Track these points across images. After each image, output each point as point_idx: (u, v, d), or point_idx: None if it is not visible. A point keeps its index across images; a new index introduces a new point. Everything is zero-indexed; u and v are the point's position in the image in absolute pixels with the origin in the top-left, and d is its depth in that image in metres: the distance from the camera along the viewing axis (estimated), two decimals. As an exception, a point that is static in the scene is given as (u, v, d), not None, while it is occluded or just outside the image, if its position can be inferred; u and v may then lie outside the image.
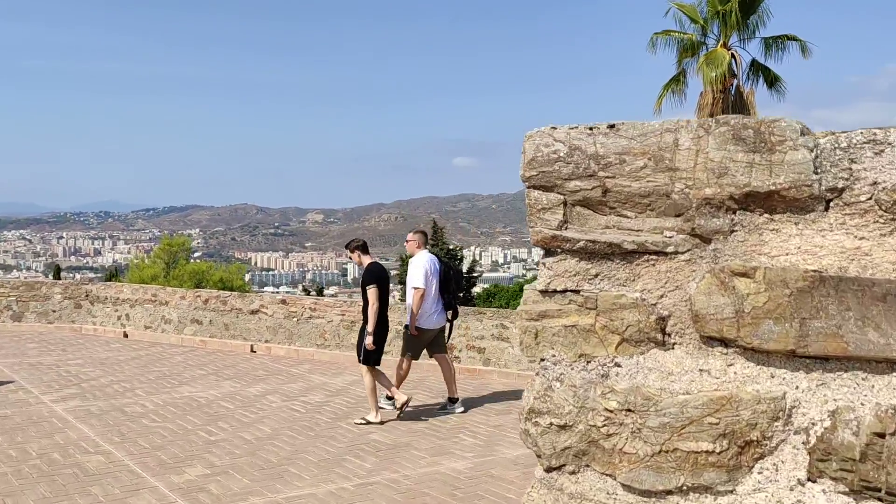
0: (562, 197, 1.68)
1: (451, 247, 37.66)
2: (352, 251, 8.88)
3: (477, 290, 43.42)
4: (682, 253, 1.57)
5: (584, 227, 1.67)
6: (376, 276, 8.51)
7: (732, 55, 16.83)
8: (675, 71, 17.88)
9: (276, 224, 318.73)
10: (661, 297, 1.60)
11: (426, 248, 9.33)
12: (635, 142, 1.59)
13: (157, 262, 36.81)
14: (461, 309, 11.86)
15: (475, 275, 38.30)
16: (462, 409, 9.15)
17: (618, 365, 1.64)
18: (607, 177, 1.63)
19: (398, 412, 8.65)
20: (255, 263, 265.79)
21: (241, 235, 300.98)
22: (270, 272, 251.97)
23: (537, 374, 1.79)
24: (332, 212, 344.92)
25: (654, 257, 1.60)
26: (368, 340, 8.37)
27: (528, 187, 1.74)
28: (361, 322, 8.64)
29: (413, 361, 9.34)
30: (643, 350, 1.62)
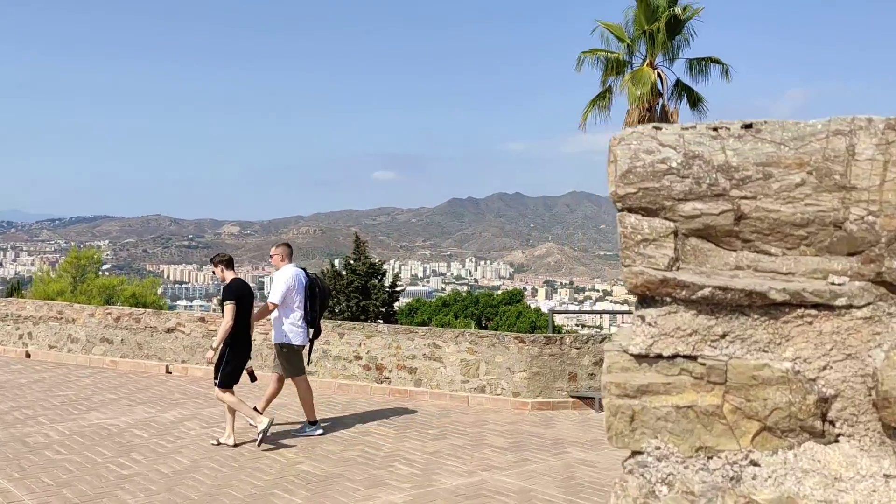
0: (672, 224, 1.23)
1: (373, 261, 37.08)
2: (215, 265, 8.38)
3: (399, 304, 42.90)
4: (860, 307, 1.09)
5: (705, 268, 1.19)
6: (236, 294, 8.02)
7: (658, 74, 17.05)
8: (600, 89, 18.01)
9: (191, 236, 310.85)
10: (824, 369, 1.14)
11: (291, 263, 8.86)
12: (787, 148, 1.12)
13: (64, 276, 34.94)
14: (392, 327, 11.45)
15: (398, 289, 37.83)
16: (321, 431, 8.72)
17: (755, 464, 1.14)
18: (743, 197, 1.17)
19: (260, 436, 8.09)
20: (168, 276, 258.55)
21: (154, 247, 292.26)
22: (184, 285, 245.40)
23: (630, 472, 1.26)
24: (249, 224, 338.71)
25: (814, 312, 1.14)
26: (209, 355, 7.91)
27: (622, 210, 1.26)
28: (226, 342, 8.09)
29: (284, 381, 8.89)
30: (794, 443, 1.14)
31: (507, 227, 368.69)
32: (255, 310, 8.79)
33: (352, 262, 37.84)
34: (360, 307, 35.87)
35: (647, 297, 1.25)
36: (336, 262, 41.39)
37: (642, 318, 1.25)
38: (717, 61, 17.14)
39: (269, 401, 8.84)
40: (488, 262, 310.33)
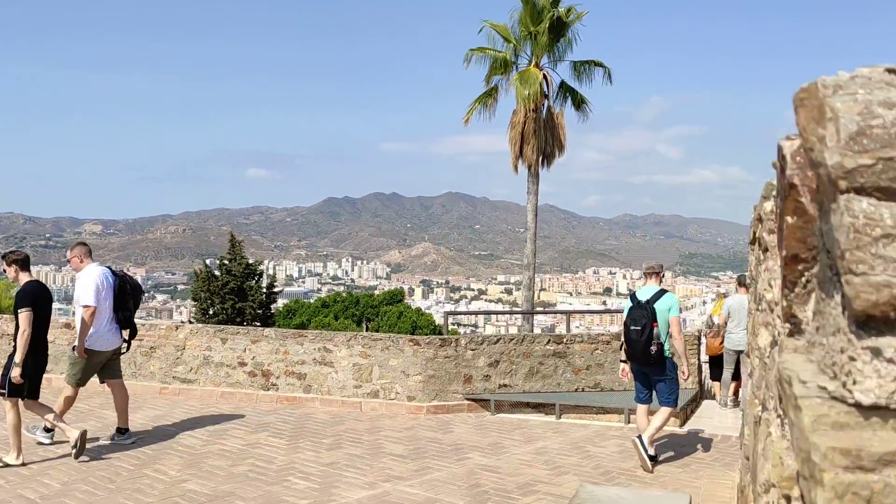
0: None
1: (249, 261, 35.89)
2: (8, 265, 7.58)
3: (277, 306, 41.77)
4: None
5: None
6: (32, 298, 7.33)
7: (544, 76, 17.20)
8: (485, 87, 18.01)
9: (48, 235, 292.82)
10: None
11: (94, 262, 8.26)
12: None
13: None
14: (279, 331, 10.90)
15: (275, 290, 36.79)
16: (132, 440, 8.23)
17: None
18: None
19: (74, 450, 7.48)
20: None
21: (6, 247, 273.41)
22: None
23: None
24: (112, 223, 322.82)
25: None
26: (16, 372, 7.20)
27: (846, 191, 0.82)
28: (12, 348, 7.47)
29: (80, 388, 8.30)
30: None
31: (384, 226, 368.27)
32: (75, 321, 8.11)
33: (227, 262, 36.44)
34: (236, 309, 34.61)
35: (885, 321, 0.82)
36: (209, 262, 39.74)
37: (876, 351, 0.82)
38: (599, 64, 17.47)
39: (63, 412, 8.12)
40: (365, 261, 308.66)
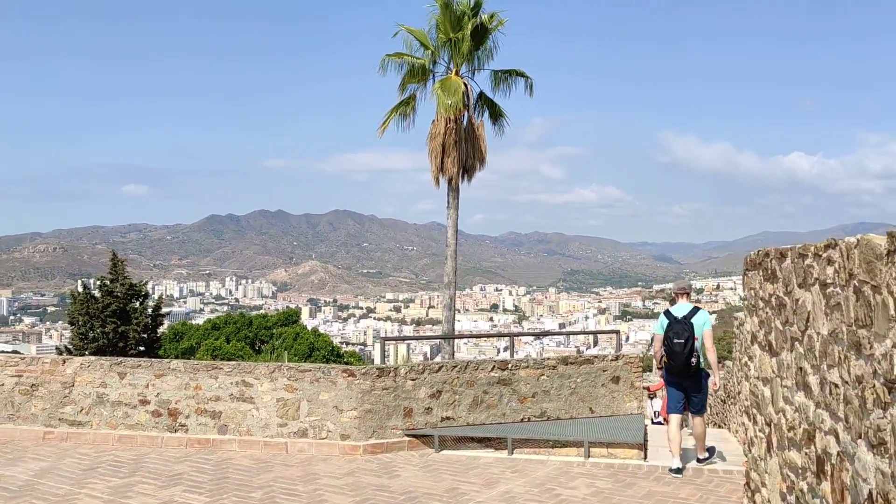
0: None
1: (133, 282, 33.43)
2: None
3: (163, 329, 39.13)
4: None
5: None
6: None
7: (465, 85, 16.36)
8: (399, 96, 17.01)
9: None
10: None
11: None
12: None
13: None
14: (189, 364, 9.48)
15: (162, 313, 34.40)
16: None
17: None
18: None
19: None
20: None
21: None
22: None
23: None
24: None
25: None
26: None
27: None
28: None
29: None
30: None
31: (270, 244, 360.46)
32: None
33: (108, 282, 33.80)
34: (119, 333, 32.10)
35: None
36: (88, 282, 36.86)
37: None
38: (521, 74, 16.81)
39: None
40: (250, 280, 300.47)
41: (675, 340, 8.06)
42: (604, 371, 10.57)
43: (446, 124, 15.95)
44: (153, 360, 9.42)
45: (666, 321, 8.31)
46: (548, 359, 10.35)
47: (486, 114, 17.16)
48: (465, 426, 9.55)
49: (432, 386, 9.44)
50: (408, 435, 9.27)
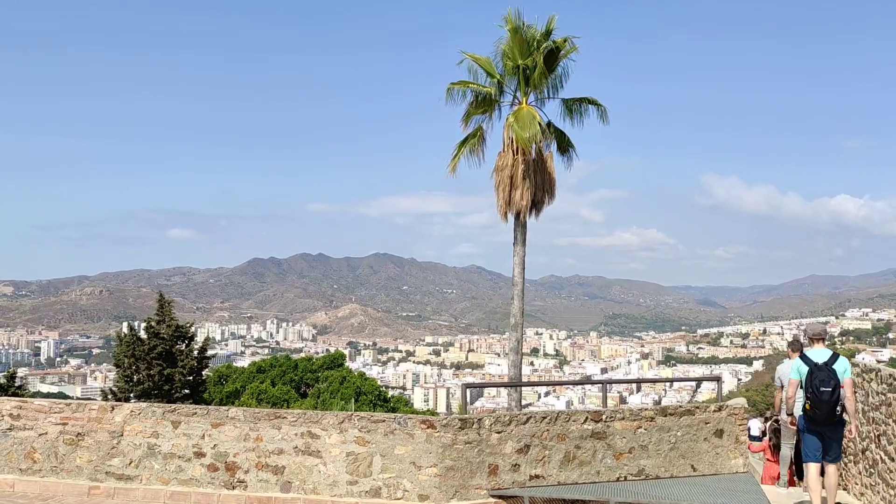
0: None
1: (179, 323, 32.83)
2: None
3: (206, 371, 38.41)
4: None
5: None
6: None
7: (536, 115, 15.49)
8: (463, 129, 16.20)
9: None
10: None
11: None
12: None
13: None
14: (250, 412, 8.53)
15: (207, 355, 33.70)
16: None
17: None
18: None
19: None
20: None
21: None
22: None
23: None
24: (25, 284, 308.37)
25: None
26: None
27: None
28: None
29: None
30: None
31: (311, 287, 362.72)
32: None
33: (154, 324, 33.23)
34: (164, 376, 31.44)
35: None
36: (135, 324, 36.34)
37: None
38: (593, 102, 15.88)
39: None
40: (290, 323, 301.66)
41: (822, 388, 7.82)
42: (706, 423, 9.41)
43: (513, 157, 15.08)
44: (209, 407, 8.51)
45: (805, 367, 8.04)
46: (645, 409, 9.21)
47: (555, 145, 16.27)
48: (556, 486, 8.44)
49: (520, 440, 8.36)
50: (493, 496, 8.18)
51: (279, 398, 36.27)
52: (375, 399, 37.80)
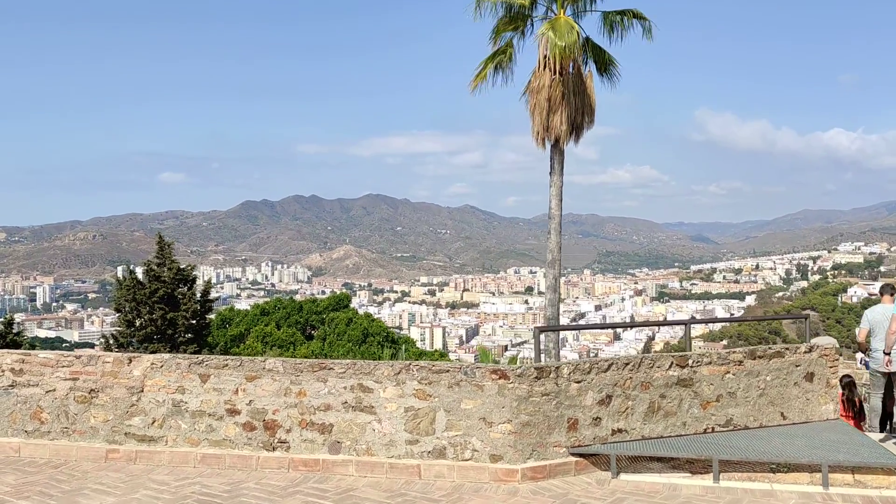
0: None
1: (181, 266, 31.51)
2: None
3: (210, 316, 37.31)
4: None
5: None
6: None
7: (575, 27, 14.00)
8: (491, 46, 14.74)
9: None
10: None
11: None
12: None
13: None
14: (290, 363, 7.40)
15: (211, 298, 32.48)
16: None
17: None
18: None
19: None
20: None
21: None
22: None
23: None
24: (17, 230, 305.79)
25: None
26: None
27: None
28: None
29: None
30: None
31: (304, 229, 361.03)
32: None
33: (155, 267, 31.97)
34: (168, 320, 30.35)
35: None
36: (135, 268, 35.10)
37: None
38: (638, 16, 14.41)
39: None
40: (285, 265, 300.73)
41: None
42: (796, 366, 8.35)
43: (550, 76, 13.71)
44: (243, 358, 7.38)
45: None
46: (733, 351, 8.12)
47: (593, 65, 14.81)
48: (642, 440, 7.39)
49: (601, 389, 7.27)
50: (574, 454, 7.12)
51: (285, 341, 35.38)
52: (383, 340, 36.97)
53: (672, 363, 7.71)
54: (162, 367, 7.48)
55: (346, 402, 7.15)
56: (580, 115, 13.95)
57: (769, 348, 8.38)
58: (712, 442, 7.42)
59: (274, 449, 7.24)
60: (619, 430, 7.37)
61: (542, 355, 13.41)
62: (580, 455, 7.15)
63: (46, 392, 7.63)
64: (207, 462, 7.24)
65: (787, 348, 8.49)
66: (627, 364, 7.49)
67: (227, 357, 7.38)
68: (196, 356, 7.44)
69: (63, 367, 7.62)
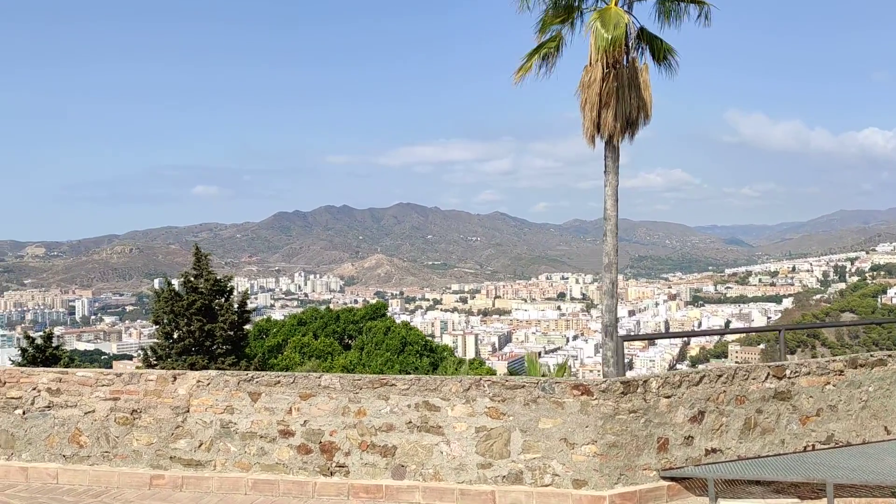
0: None
1: (217, 277, 31.13)
2: None
3: (248, 326, 36.95)
4: None
5: None
6: None
7: (626, 17, 13.25)
8: (537, 36, 14.01)
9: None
10: None
11: None
12: None
13: None
14: (348, 379, 6.77)
15: (248, 309, 32.07)
16: None
17: None
18: None
19: None
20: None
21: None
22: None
23: None
24: (56, 245, 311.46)
25: None
26: None
27: None
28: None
29: None
30: None
31: (336, 239, 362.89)
32: None
33: (192, 278, 31.63)
34: (206, 332, 29.98)
35: None
36: (172, 280, 34.85)
37: None
38: (696, 0, 13.61)
39: None
40: (318, 275, 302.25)
41: None
42: (901, 375, 7.53)
43: (602, 69, 12.98)
44: (296, 374, 6.75)
45: None
46: (833, 360, 7.34)
47: (649, 55, 14.03)
48: (737, 461, 6.63)
49: (692, 405, 6.53)
50: (665, 477, 6.39)
51: (323, 351, 34.91)
52: (422, 349, 36.37)
53: (768, 374, 6.95)
54: (209, 384, 6.88)
55: (410, 422, 6.49)
56: (635, 110, 13.18)
57: (871, 356, 7.58)
58: (817, 461, 6.64)
59: (332, 474, 6.60)
60: (713, 450, 6.62)
61: (610, 367, 12.64)
62: (672, 478, 6.41)
63: (85, 413, 7.08)
64: (260, 488, 6.62)
65: (889, 356, 7.68)
66: (720, 376, 6.74)
67: (279, 373, 6.76)
68: (245, 372, 6.82)
69: (103, 386, 7.06)
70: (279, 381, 6.75)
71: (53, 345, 27.52)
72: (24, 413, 7.19)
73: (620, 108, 13.06)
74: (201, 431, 6.85)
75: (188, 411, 6.89)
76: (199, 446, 6.85)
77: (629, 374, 7.11)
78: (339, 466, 6.60)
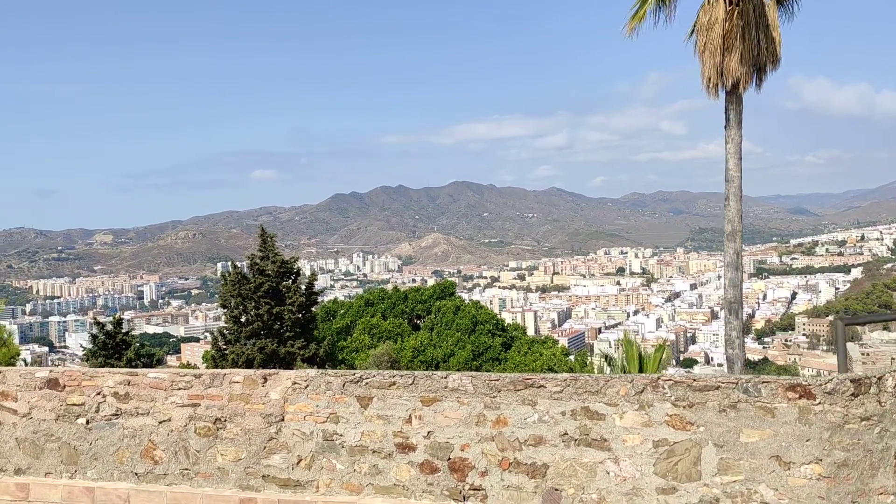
0: None
1: (284, 259, 30.14)
2: None
3: (315, 308, 35.84)
4: None
5: None
6: None
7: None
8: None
9: (59, 248, 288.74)
10: None
11: None
12: None
13: None
14: (479, 378, 5.35)
15: (315, 291, 30.92)
16: None
17: None
18: None
19: None
20: (38, 292, 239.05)
21: (19, 262, 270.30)
22: (56, 300, 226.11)
23: None
24: (123, 232, 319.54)
25: None
26: None
27: None
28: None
29: None
30: None
31: (393, 219, 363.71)
32: None
33: (258, 261, 30.65)
34: (274, 315, 29.05)
35: None
36: (238, 263, 33.95)
37: None
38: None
39: None
40: (376, 255, 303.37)
41: None
42: None
43: (726, 6, 11.30)
44: (415, 373, 5.39)
45: None
46: None
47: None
48: None
49: (936, 407, 4.96)
50: (907, 504, 4.85)
51: (392, 332, 33.81)
52: (493, 328, 35.00)
53: None
54: (307, 387, 5.57)
55: (565, 434, 5.07)
56: (763, 54, 11.49)
57: None
58: None
59: (465, 498, 5.23)
60: (960, 466, 5.06)
61: (735, 350, 11.01)
62: (916, 505, 4.87)
63: (160, 423, 5.86)
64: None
65: None
66: (968, 369, 5.15)
67: (395, 372, 5.41)
68: (352, 372, 5.50)
69: (179, 389, 5.82)
70: (394, 383, 5.39)
71: (123, 330, 26.94)
72: (87, 422, 6.00)
73: (747, 50, 11.36)
74: (300, 445, 5.55)
75: (283, 420, 5.60)
76: (298, 463, 5.55)
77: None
78: (475, 489, 5.22)
